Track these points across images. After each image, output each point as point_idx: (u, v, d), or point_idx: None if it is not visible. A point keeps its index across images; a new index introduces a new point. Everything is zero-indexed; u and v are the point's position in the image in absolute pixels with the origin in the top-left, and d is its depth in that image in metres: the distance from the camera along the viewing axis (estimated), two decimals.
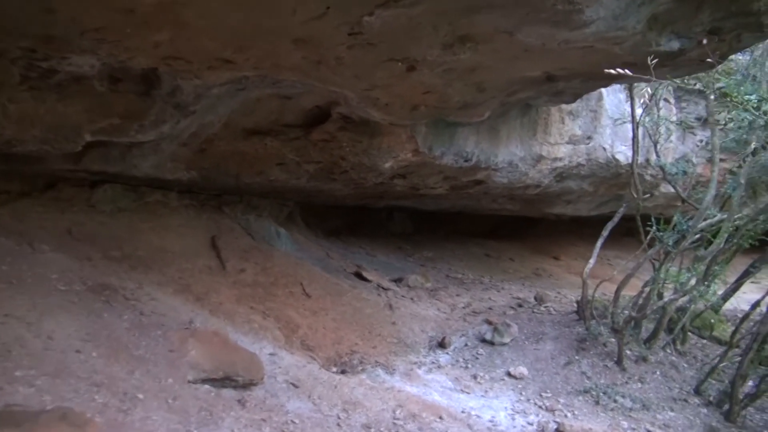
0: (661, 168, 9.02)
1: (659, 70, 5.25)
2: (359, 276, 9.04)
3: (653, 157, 9.62)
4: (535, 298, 9.36)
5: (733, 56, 10.76)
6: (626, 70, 4.10)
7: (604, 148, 8.79)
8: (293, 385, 4.73)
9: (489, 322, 7.79)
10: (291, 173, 6.72)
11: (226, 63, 4.01)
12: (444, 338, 7.17)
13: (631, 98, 7.40)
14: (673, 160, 10.95)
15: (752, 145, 7.57)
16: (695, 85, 10.95)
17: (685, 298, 7.83)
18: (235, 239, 7.68)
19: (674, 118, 10.23)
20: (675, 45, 4.64)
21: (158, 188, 6.98)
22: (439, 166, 7.06)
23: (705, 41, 4.43)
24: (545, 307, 9.08)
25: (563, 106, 7.86)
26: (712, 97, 7.54)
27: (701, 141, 11.24)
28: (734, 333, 6.73)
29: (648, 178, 10.54)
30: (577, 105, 8.08)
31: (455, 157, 6.79)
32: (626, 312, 7.59)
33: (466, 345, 7.10)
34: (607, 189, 10.35)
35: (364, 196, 8.90)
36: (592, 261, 7.54)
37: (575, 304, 9.38)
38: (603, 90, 8.41)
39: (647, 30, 4.33)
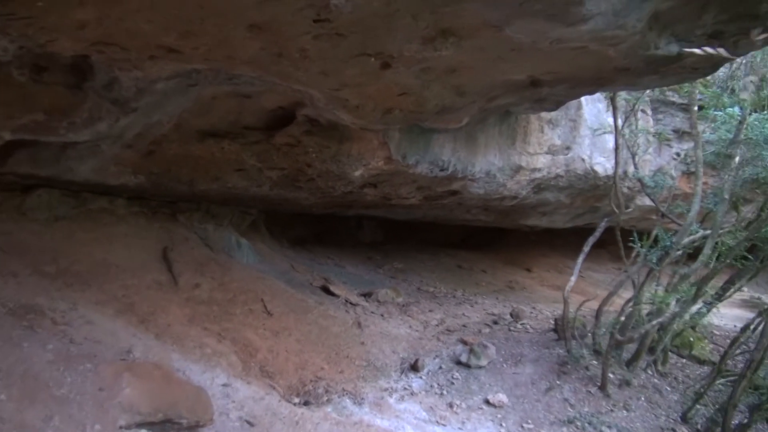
0: (640, 180, 8.74)
1: (648, 78, 4.89)
2: (326, 290, 8.48)
3: (631, 169, 9.35)
4: (511, 315, 8.94)
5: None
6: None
7: (583, 159, 8.44)
8: (248, 423, 4.15)
9: (464, 342, 7.31)
10: (252, 180, 6.14)
11: (171, 52, 3.43)
12: (417, 360, 6.66)
13: (614, 108, 7.05)
14: (650, 172, 10.72)
15: (736, 159, 7.31)
16: (672, 96, 10.78)
17: (667, 315, 7.53)
18: (190, 250, 7.04)
19: (651, 130, 9.99)
20: (674, 49, 4.23)
21: (103, 194, 6.31)
22: (413, 176, 6.57)
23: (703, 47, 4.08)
24: (522, 324, 8.67)
25: (543, 114, 7.48)
26: (695, 108, 7.23)
27: (677, 154, 11.04)
28: (723, 358, 6.38)
29: (625, 190, 10.25)
30: (557, 114, 7.71)
31: (430, 166, 6.31)
32: (607, 332, 7.23)
33: (440, 368, 6.61)
34: (583, 201, 10.03)
35: (332, 205, 8.35)
36: (573, 279, 7.15)
37: (553, 322, 9.00)
38: (582, 99, 8.08)
39: (647, 30, 3.90)
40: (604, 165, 8.91)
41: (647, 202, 11.39)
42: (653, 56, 4.13)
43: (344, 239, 14.23)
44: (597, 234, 7.49)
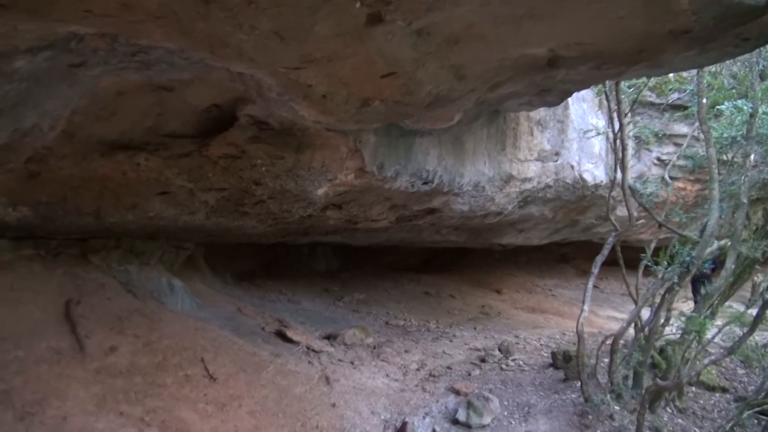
0: (631, 188, 7.75)
1: (691, 52, 3.84)
2: (282, 336, 7.00)
3: (619, 176, 8.40)
4: (500, 350, 7.71)
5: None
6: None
7: (572, 166, 7.40)
8: None
9: (456, 392, 6.02)
10: (181, 206, 4.69)
11: None
12: (405, 424, 5.29)
13: (618, 101, 6.02)
14: (631, 179, 9.83)
15: (751, 158, 6.43)
16: (650, 97, 10.00)
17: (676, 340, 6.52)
18: (105, 301, 5.46)
19: (630, 134, 9.10)
20: None
21: None
22: (389, 192, 5.29)
23: None
24: (514, 360, 7.45)
25: (531, 115, 6.39)
26: (704, 100, 6.29)
27: (658, 158, 10.25)
28: (757, 393, 5.34)
29: (610, 200, 9.32)
30: (545, 114, 6.64)
31: (412, 179, 5.05)
32: (623, 369, 6.11)
33: (434, 431, 5.26)
34: (565, 214, 9.01)
35: (285, 233, 6.94)
36: (585, 308, 5.96)
37: (547, 355, 7.84)
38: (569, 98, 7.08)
39: None
40: (592, 172, 7.92)
41: (626, 212, 10.53)
42: (735, 8, 3.04)
43: (297, 269, 12.77)
44: (605, 252, 6.36)
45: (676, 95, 9.82)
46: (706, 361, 5.31)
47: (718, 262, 11.73)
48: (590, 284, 5.99)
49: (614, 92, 6.46)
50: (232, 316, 7.26)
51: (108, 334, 4.98)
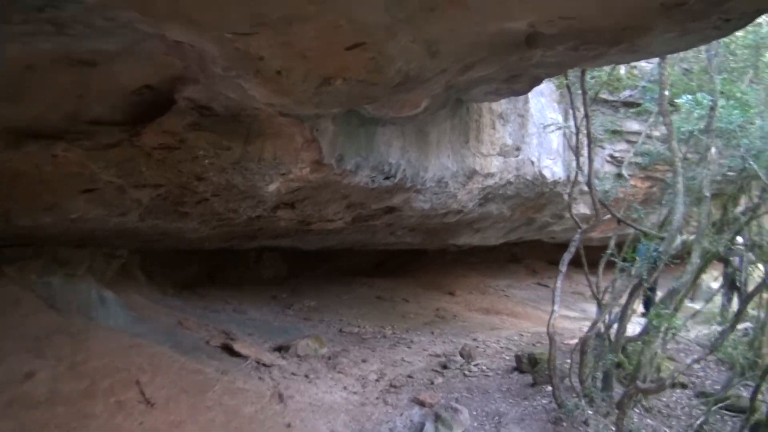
0: (588, 185, 7.60)
1: (664, 37, 3.65)
2: (229, 350, 6.40)
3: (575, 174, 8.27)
4: (461, 355, 7.37)
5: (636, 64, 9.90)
6: None
7: (532, 162, 7.17)
8: None
9: (421, 403, 5.61)
10: (110, 206, 4.06)
11: None
12: None
13: (584, 91, 5.80)
14: (583, 177, 9.76)
15: (712, 151, 6.35)
16: (602, 93, 9.94)
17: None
18: (21, 319, 4.74)
19: (583, 130, 9.00)
20: None
21: None
22: (347, 189, 4.83)
23: None
24: (476, 365, 7.13)
25: (494, 107, 6.08)
26: (666, 92, 6.16)
27: (610, 156, 10.24)
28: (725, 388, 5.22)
29: (566, 197, 9.18)
30: (506, 107, 6.36)
31: (373, 173, 4.61)
32: (592, 371, 5.86)
33: None
34: (522, 213, 8.79)
35: (231, 237, 6.35)
36: (556, 308, 5.68)
37: (509, 358, 7.56)
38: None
39: None
40: (551, 168, 7.72)
41: (582, 209, 10.47)
42: None
43: (243, 277, 12.06)
44: (572, 250, 6.09)
45: (628, 92, 9.84)
46: (689, 360, 5.09)
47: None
48: (559, 283, 5.73)
49: (577, 83, 6.27)
50: (173, 330, 6.59)
51: (24, 357, 4.28)
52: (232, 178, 3.90)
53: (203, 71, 2.96)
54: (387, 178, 4.76)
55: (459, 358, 7.28)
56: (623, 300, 6.35)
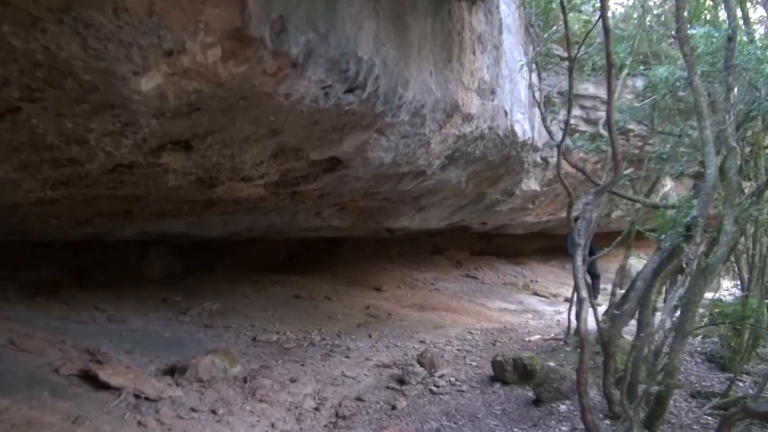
0: (558, 147, 6.21)
1: None
2: (92, 380, 4.23)
3: (540, 135, 6.90)
4: (421, 364, 5.65)
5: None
6: None
7: (506, 112, 5.62)
8: None
9: None
10: None
11: None
12: None
13: (566, 23, 4.27)
14: (542, 145, 8.41)
15: (735, 91, 5.10)
16: (557, 50, 8.65)
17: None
18: None
19: (537, 93, 7.62)
20: None
21: None
22: (283, 110, 2.91)
23: None
24: (442, 377, 5.44)
25: (474, 23, 4.42)
26: (685, 12, 4.79)
27: (565, 123, 8.95)
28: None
29: (526, 166, 7.75)
30: (484, 28, 4.72)
31: (331, 75, 2.75)
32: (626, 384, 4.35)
33: None
34: (477, 185, 7.24)
35: (91, 212, 4.18)
36: (584, 295, 4.01)
37: (480, 364, 5.95)
38: (503, 20, 5.27)
39: None
40: (522, 125, 6.23)
41: (533, 186, 9.16)
42: None
43: (122, 277, 9.55)
44: (586, 216, 4.51)
45: (583, 49, 8.60)
46: None
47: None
48: (579, 262, 4.07)
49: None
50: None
51: None
52: (61, 44, 1.88)
53: None
54: (351, 89, 2.92)
55: (418, 368, 5.54)
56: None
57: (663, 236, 4.29)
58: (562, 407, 4.22)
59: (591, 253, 11.06)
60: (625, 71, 6.98)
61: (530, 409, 4.31)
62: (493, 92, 5.08)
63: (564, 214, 13.14)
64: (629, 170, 5.38)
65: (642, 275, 4.09)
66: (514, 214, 10.15)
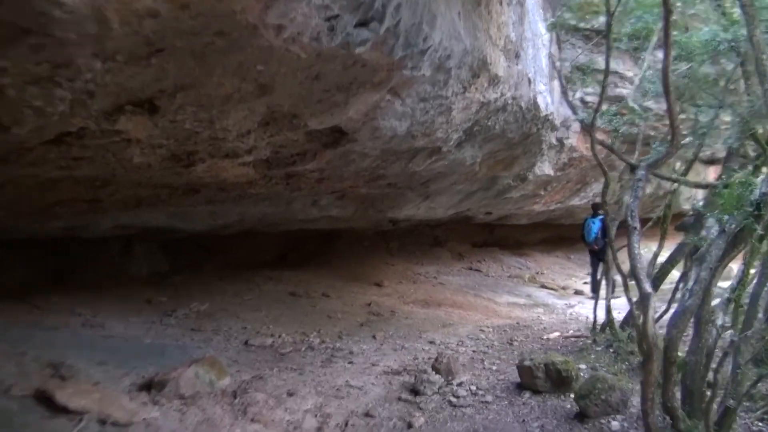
0: (582, 123, 5.60)
1: None
2: (48, 402, 3.50)
3: (559, 109, 6.20)
4: (435, 370, 4.96)
5: None
6: None
7: (529, 80, 4.94)
8: None
9: None
10: None
11: None
12: None
13: None
14: (559, 122, 7.69)
15: None
16: (572, 20, 7.94)
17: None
18: None
19: (557, 64, 6.93)
20: None
21: None
22: (271, 52, 2.17)
23: None
24: (460, 384, 4.75)
25: None
26: None
27: (581, 100, 8.26)
28: None
29: (546, 144, 7.06)
30: None
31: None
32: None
33: None
34: (491, 167, 6.54)
35: (50, 201, 3.45)
36: (646, 288, 3.31)
37: (505, 369, 5.27)
38: None
39: None
40: (545, 97, 5.56)
41: (546, 170, 8.46)
42: None
43: (103, 276, 8.83)
44: (638, 194, 3.81)
45: (601, 19, 7.89)
46: None
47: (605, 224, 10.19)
48: (636, 249, 3.35)
49: None
50: None
51: None
52: None
53: None
54: (364, 22, 2.20)
55: (433, 374, 4.84)
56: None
57: (727, 218, 3.59)
58: (614, 424, 3.54)
59: (605, 237, 10.48)
60: (654, 38, 6.29)
61: (574, 426, 3.62)
62: (517, 56, 4.37)
63: (572, 202, 12.51)
64: (687, 140, 4.66)
65: (707, 263, 3.40)
66: (524, 201, 9.47)
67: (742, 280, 4.04)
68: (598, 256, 10.73)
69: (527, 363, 4.57)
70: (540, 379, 4.39)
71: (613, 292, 10.56)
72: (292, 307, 8.30)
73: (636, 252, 3.11)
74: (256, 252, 12.19)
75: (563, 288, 12.64)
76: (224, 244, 11.40)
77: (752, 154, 6.36)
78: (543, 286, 12.66)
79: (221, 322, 7.18)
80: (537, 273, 14.61)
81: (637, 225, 3.24)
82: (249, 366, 5.28)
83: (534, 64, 5.05)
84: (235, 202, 5.41)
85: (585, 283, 13.02)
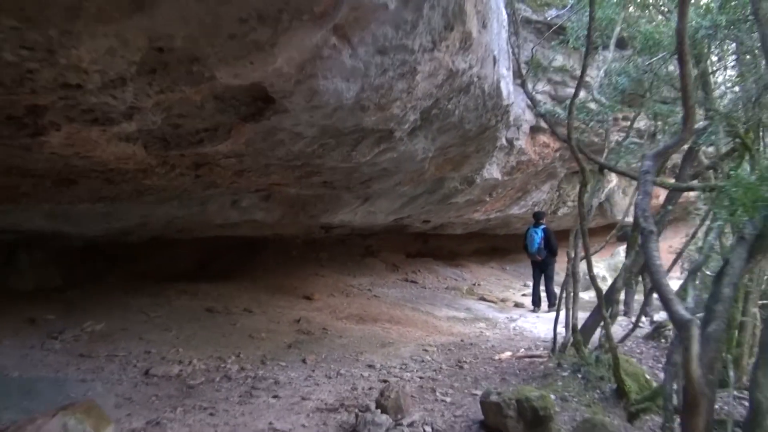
0: (543, 117, 4.96)
1: None
2: None
3: (517, 103, 5.60)
4: (380, 407, 4.06)
5: None
6: None
7: (494, 59, 4.17)
8: None
9: None
10: None
11: None
12: None
13: None
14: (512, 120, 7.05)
15: None
16: (526, 11, 7.39)
17: None
18: None
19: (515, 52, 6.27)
20: None
21: None
22: None
23: None
24: (411, 425, 3.88)
25: None
26: None
27: (530, 98, 7.66)
28: None
29: (502, 141, 6.37)
30: None
31: None
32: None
33: None
34: (440, 166, 5.76)
35: None
36: (667, 293, 2.54)
37: (463, 403, 4.43)
38: None
39: None
40: (507, 83, 4.81)
41: (494, 173, 7.80)
42: None
43: None
44: (649, 190, 3.06)
45: (554, 12, 7.36)
46: None
47: (548, 234, 9.71)
48: (657, 258, 2.60)
49: None
50: None
51: None
52: None
53: None
54: None
55: (378, 413, 3.94)
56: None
57: (747, 221, 2.93)
58: None
59: (550, 251, 9.98)
60: (617, 29, 5.73)
61: None
62: (484, 25, 3.59)
63: (511, 211, 12.00)
64: (701, 123, 4.02)
65: (730, 278, 2.71)
66: (467, 208, 8.80)
67: None
68: (541, 268, 10.27)
69: (494, 398, 3.76)
70: (511, 418, 3.59)
71: (552, 305, 10.09)
72: (208, 326, 7.16)
73: (658, 263, 2.36)
74: (171, 263, 10.88)
75: (502, 300, 12.07)
76: (132, 253, 10.04)
77: (705, 161, 5.95)
78: (482, 299, 12.04)
79: (119, 345, 5.98)
80: (474, 284, 14.03)
81: (653, 228, 2.49)
82: (145, 406, 4.17)
83: (498, 41, 4.32)
84: (133, 201, 4.31)
85: (524, 295, 12.56)
